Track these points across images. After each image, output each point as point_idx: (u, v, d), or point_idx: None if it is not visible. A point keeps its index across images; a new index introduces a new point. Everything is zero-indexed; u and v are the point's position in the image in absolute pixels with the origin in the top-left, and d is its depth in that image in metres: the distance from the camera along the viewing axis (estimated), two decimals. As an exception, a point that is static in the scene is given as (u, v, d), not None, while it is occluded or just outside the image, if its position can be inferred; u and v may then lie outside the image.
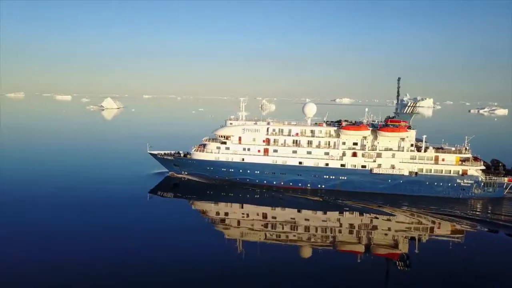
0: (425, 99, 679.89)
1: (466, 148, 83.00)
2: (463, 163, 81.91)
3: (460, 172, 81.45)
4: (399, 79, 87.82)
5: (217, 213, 73.78)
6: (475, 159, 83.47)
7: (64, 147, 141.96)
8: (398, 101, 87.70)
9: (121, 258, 50.16)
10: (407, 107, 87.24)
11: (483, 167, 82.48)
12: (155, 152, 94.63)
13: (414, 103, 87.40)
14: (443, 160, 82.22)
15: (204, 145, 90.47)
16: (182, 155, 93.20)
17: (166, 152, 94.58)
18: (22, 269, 46.61)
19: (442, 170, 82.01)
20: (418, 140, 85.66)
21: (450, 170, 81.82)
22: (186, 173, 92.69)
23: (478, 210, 75.77)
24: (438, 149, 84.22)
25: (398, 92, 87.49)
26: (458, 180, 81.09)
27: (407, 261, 53.19)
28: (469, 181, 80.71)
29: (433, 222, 68.69)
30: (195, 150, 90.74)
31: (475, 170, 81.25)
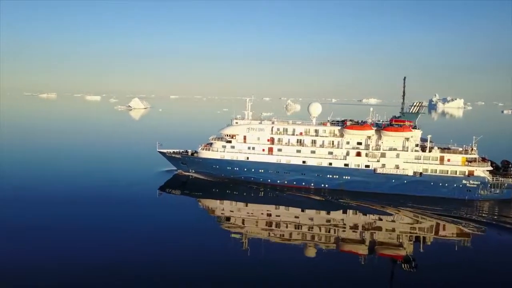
0: (455, 99, 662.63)
1: (472, 149, 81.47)
2: (470, 163, 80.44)
3: (466, 173, 79.98)
4: (404, 78, 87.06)
5: (223, 211, 75.25)
6: (483, 159, 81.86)
7: (85, 145, 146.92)
8: (403, 100, 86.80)
9: (128, 255, 50.96)
10: (412, 107, 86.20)
11: (491, 168, 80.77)
12: (164, 151, 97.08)
13: (420, 102, 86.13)
14: (448, 160, 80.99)
15: (211, 144, 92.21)
16: (189, 153, 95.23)
17: (174, 150, 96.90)
18: (27, 267, 47.07)
19: (447, 171, 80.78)
20: (424, 140, 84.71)
21: (456, 171, 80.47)
22: (193, 171, 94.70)
23: (484, 212, 74.16)
24: (444, 150, 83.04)
25: (404, 91, 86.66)
26: (463, 181, 79.68)
27: (413, 263, 52.60)
28: (475, 182, 79.15)
29: (438, 224, 67.68)
30: (201, 149, 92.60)
31: (482, 171, 79.66)
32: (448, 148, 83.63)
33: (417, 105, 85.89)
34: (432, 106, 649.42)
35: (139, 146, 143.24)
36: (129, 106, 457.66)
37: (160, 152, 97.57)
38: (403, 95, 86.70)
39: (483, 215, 72.45)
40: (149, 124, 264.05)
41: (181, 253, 52.60)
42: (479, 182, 79.10)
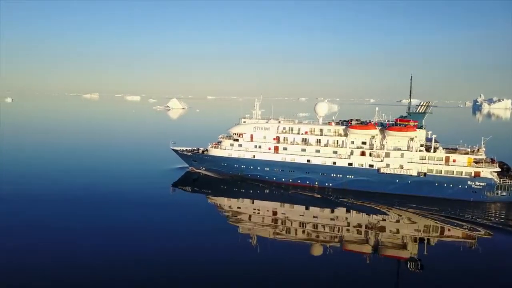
0: (502, 100, 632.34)
1: (479, 149, 79.59)
2: (476, 164, 78.66)
3: (472, 174, 78.28)
4: (411, 78, 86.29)
5: (230, 208, 77.34)
6: (492, 160, 79.78)
7: (113, 144, 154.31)
8: (410, 100, 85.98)
9: (137, 251, 52.28)
10: (419, 107, 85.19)
11: (498, 169, 78.56)
12: (177, 148, 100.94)
13: (427, 102, 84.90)
14: (454, 161, 79.54)
15: (220, 142, 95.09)
16: (200, 151, 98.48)
17: (187, 148, 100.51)
18: (35, 266, 47.70)
19: (452, 171, 79.39)
20: (431, 140, 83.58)
21: (462, 172, 78.95)
22: (204, 168, 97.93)
23: (491, 214, 72.63)
24: (449, 150, 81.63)
25: (410, 91, 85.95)
26: (469, 182, 78.07)
27: (418, 264, 52.64)
28: (481, 184, 77.34)
29: (443, 225, 66.80)
30: (211, 147, 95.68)
31: (489, 172, 77.73)
32: (455, 149, 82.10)
33: (424, 104, 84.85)
34: (476, 107, 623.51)
35: (159, 144, 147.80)
36: (167, 106, 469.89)
37: (173, 149, 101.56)
38: (410, 95, 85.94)
39: (490, 217, 70.82)
40: (178, 124, 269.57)
41: (192, 250, 53.87)
42: (485, 184, 77.26)
